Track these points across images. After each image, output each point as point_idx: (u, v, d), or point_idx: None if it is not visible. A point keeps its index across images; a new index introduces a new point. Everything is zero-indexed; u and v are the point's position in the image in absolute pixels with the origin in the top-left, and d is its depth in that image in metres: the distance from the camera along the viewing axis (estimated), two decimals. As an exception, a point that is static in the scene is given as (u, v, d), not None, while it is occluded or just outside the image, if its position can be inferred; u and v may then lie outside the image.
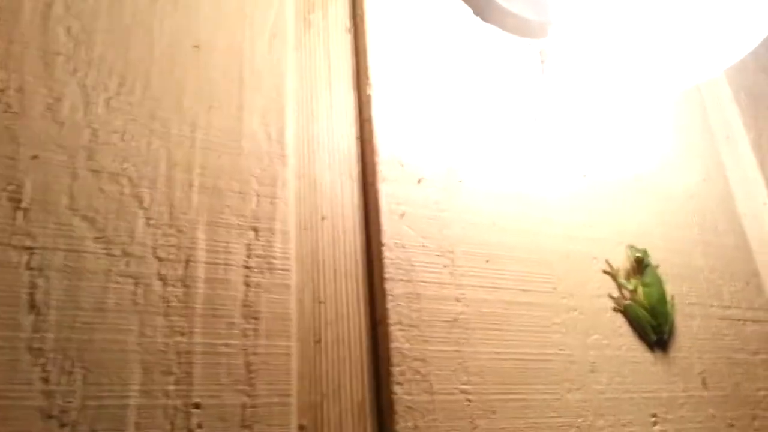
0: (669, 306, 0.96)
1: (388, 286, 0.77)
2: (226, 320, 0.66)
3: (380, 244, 0.80)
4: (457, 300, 0.82)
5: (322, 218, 0.79)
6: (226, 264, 0.68)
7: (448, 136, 0.92)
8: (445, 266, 0.83)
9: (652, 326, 0.92)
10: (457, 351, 0.78)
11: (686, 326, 0.98)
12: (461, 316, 0.81)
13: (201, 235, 0.69)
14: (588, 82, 1.09)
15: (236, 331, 0.66)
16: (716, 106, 1.26)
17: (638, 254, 0.95)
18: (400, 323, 0.75)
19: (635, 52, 0.91)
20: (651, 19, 0.87)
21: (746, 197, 1.19)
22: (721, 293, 1.04)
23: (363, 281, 0.78)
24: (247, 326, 0.66)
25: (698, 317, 1.00)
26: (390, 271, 0.78)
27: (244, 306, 0.67)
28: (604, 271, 0.95)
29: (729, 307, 1.04)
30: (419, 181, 0.86)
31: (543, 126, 1.01)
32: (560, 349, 0.86)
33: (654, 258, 0.99)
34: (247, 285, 0.68)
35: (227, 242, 0.70)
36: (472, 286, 0.84)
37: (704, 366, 0.96)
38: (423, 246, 0.83)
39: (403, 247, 0.81)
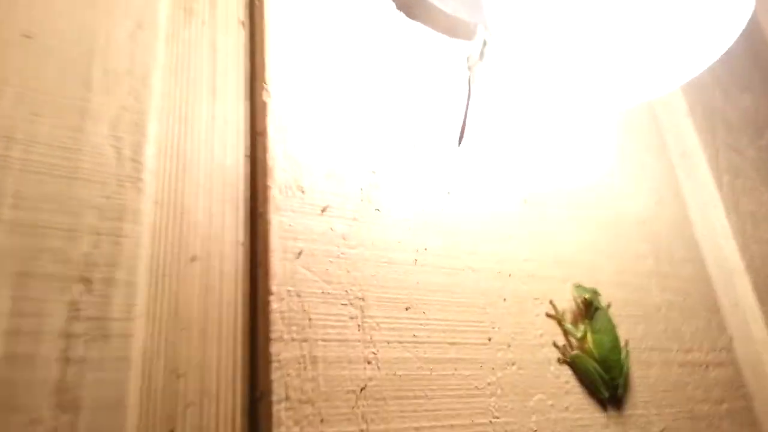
0: (623, 355, 0.82)
1: (274, 348, 0.60)
2: (26, 416, 0.47)
3: (267, 293, 0.62)
4: (368, 362, 0.65)
5: (192, 259, 0.61)
6: (35, 332, 0.49)
7: (361, 155, 0.75)
8: (352, 318, 0.66)
9: (604, 380, 0.78)
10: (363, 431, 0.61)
11: (643, 376, 0.84)
12: (371, 384, 0.64)
13: (3, 293, 0.50)
14: (526, 93, 0.95)
15: None
16: (671, 121, 1.14)
17: (586, 295, 0.81)
18: (287, 399, 0.58)
19: (581, 62, 0.77)
20: (600, 26, 0.73)
21: (703, 220, 1.07)
22: (681, 334, 0.91)
23: (243, 343, 0.61)
24: (59, 423, 0.48)
25: (656, 365, 0.86)
26: (278, 328, 0.61)
27: (58, 392, 0.48)
28: (548, 315, 0.80)
29: (690, 350, 0.91)
30: (323, 210, 0.69)
31: (473, 144, 0.86)
32: (495, 417, 0.70)
33: (605, 295, 0.85)
34: (66, 361, 0.50)
35: (41, 300, 0.51)
36: (387, 342, 0.67)
37: (664, 423, 0.82)
38: (325, 293, 0.66)
39: (298, 295, 0.64)
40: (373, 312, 0.68)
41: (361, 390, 0.63)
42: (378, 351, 0.66)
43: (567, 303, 0.82)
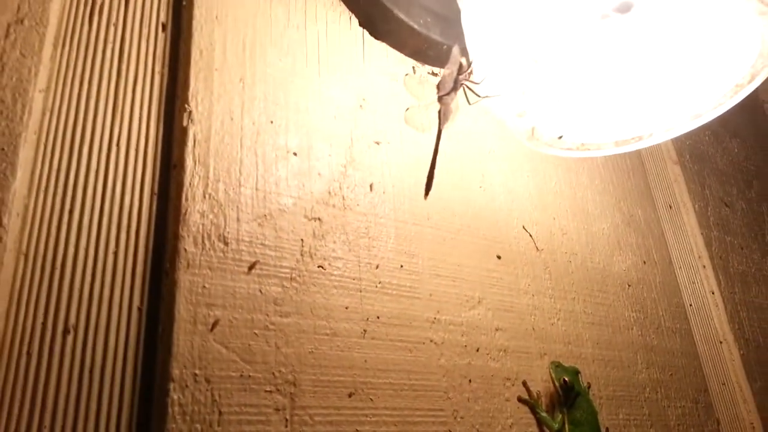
0: (606, 449, 0.69)
1: (166, 458, 0.45)
2: None
3: (167, 379, 0.48)
4: (293, 469, 0.51)
5: (65, 332, 0.46)
6: None
7: (303, 199, 0.61)
8: (278, 410, 0.52)
9: (584, 482, 0.65)
10: None
11: (625, 473, 0.71)
12: (295, 501, 0.50)
13: None
14: (506, 128, 0.83)
15: None
16: (657, 167, 1.03)
17: (567, 376, 0.68)
18: None
19: (580, 95, 0.65)
20: (600, 61, 0.61)
21: (691, 284, 0.96)
22: (667, 418, 0.79)
23: (124, 449, 0.46)
24: None
25: (640, 458, 0.74)
26: (176, 427, 0.46)
27: None
28: (520, 400, 0.67)
29: (676, 440, 0.79)
30: (251, 268, 0.55)
31: (439, 189, 0.73)
32: None
33: (585, 372, 0.73)
34: None
35: None
36: (321, 441, 0.53)
37: None
38: (244, 377, 0.51)
39: (208, 380, 0.49)
40: (307, 401, 0.53)
41: (283, 508, 0.49)
42: (308, 454, 0.52)
43: (543, 384, 0.70)
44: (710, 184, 1.08)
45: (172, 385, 0.47)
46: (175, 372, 0.48)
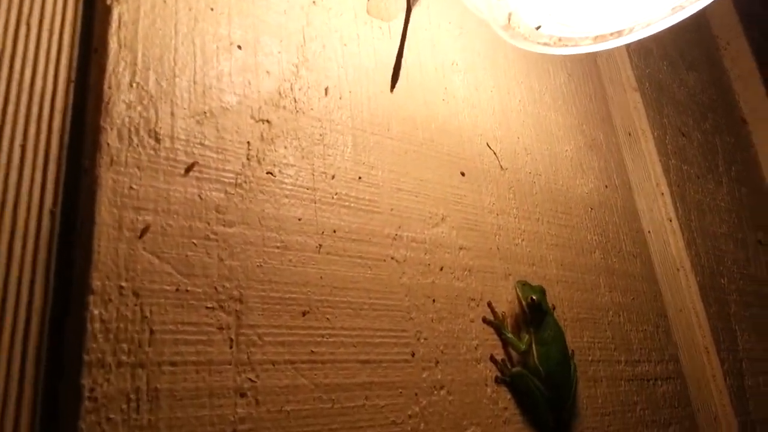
0: (572, 370, 0.66)
1: (88, 379, 0.38)
2: None
3: (85, 290, 0.40)
4: (241, 394, 0.44)
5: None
6: None
7: (252, 94, 0.54)
8: (222, 328, 0.45)
9: (551, 403, 0.62)
10: (227, 504, 0.41)
11: (590, 396, 0.69)
12: (244, 428, 0.44)
13: None
14: (465, 40, 0.77)
15: None
16: (618, 93, 0.99)
17: (534, 295, 0.64)
18: (103, 464, 0.37)
19: None
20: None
21: (649, 211, 0.94)
22: (629, 342, 0.77)
23: (32, 376, 0.39)
24: None
25: (604, 381, 0.71)
26: (97, 346, 0.39)
27: None
28: (485, 321, 0.63)
29: (638, 362, 0.77)
30: (189, 170, 0.48)
31: (403, 87, 0.66)
32: (417, 460, 0.52)
33: (550, 294, 0.69)
34: None
35: None
36: (273, 363, 0.47)
37: (610, 454, 0.68)
38: (180, 291, 0.44)
39: (136, 294, 0.42)
40: (254, 319, 0.47)
41: (230, 436, 0.43)
42: (258, 377, 0.46)
43: (507, 305, 0.66)
44: (668, 114, 1.05)
45: (91, 298, 0.40)
46: (96, 283, 0.41)
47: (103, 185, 0.43)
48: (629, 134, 0.98)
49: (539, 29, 0.54)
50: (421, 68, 0.70)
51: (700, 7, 0.53)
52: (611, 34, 0.54)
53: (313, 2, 0.63)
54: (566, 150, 0.83)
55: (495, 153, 0.73)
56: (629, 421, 0.71)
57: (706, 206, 1.03)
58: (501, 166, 0.73)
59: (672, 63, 1.15)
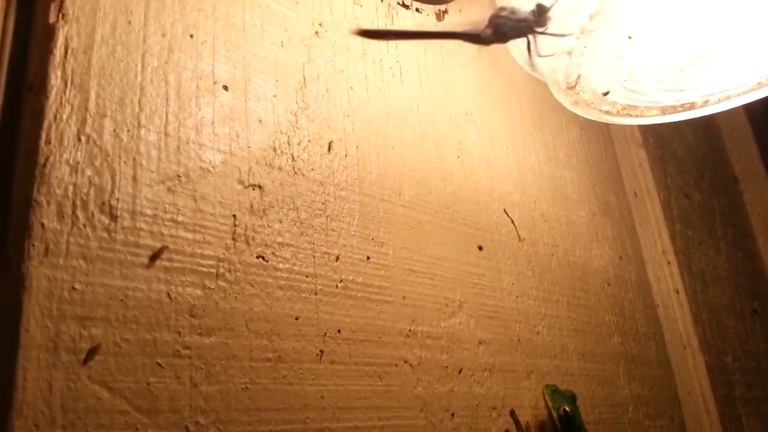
0: (602, 493, 0.56)
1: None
2: None
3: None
4: None
5: None
6: None
7: (232, 156, 0.41)
8: None
9: None
10: None
11: None
12: None
13: None
14: (481, 85, 0.66)
15: None
16: (625, 150, 0.91)
17: (566, 405, 0.53)
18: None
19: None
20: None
21: (657, 281, 0.85)
22: (649, 442, 0.68)
23: None
24: None
25: (628, 495, 0.61)
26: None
27: None
28: (509, 434, 0.52)
29: (659, 467, 0.67)
30: (155, 257, 0.35)
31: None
32: None
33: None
34: None
35: None
36: None
37: None
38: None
39: None
40: (238, 468, 0.34)
41: None
42: None
43: (530, 410, 0.55)
44: (671, 172, 0.98)
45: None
46: (15, 441, 0.27)
47: (33, 287, 0.30)
48: (635, 194, 0.90)
49: (606, 95, 0.45)
50: (435, 117, 0.59)
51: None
52: (682, 105, 0.45)
53: (316, 33, 0.51)
54: (582, 216, 0.74)
55: (513, 221, 0.63)
56: None
57: (709, 276, 0.96)
58: (519, 237, 0.63)
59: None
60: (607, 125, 0.90)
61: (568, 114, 0.80)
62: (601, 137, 0.86)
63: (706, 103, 0.45)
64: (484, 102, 0.66)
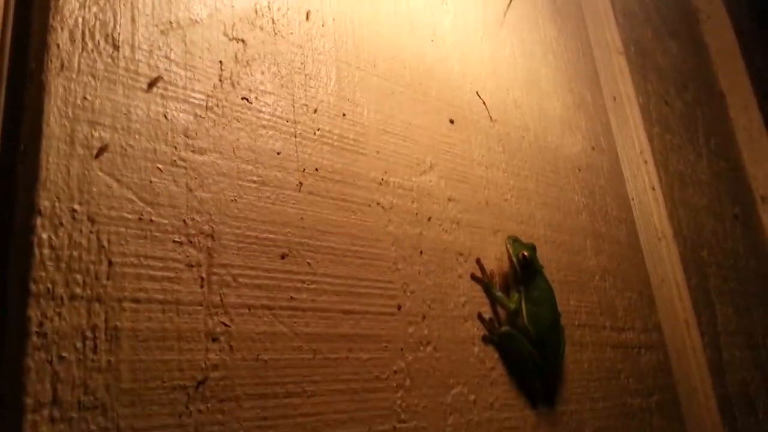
0: (561, 332, 0.62)
1: (34, 311, 0.32)
2: None
3: (31, 213, 0.34)
4: (213, 338, 0.39)
5: None
6: None
7: (217, 12, 0.48)
8: (191, 266, 0.39)
9: (538, 366, 0.58)
10: (194, 461, 0.35)
11: (576, 361, 0.66)
12: (216, 375, 0.38)
13: None
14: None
15: None
16: (605, 56, 0.96)
17: (525, 251, 0.60)
18: (54, 404, 0.31)
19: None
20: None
21: (633, 177, 0.91)
22: (615, 309, 0.74)
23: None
24: None
25: (589, 346, 0.68)
26: (44, 275, 0.33)
27: None
28: (474, 277, 0.58)
29: (623, 329, 0.74)
30: (152, 85, 0.41)
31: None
32: (402, 420, 0.47)
33: (538, 254, 0.65)
34: None
35: None
36: (248, 308, 0.41)
37: (599, 422, 0.65)
38: (144, 221, 0.38)
39: (92, 219, 0.36)
40: (228, 258, 0.41)
41: (199, 385, 0.37)
42: (232, 321, 0.40)
43: (496, 262, 0.61)
44: (652, 80, 1.03)
45: (39, 221, 0.34)
46: (44, 203, 0.34)
47: (52, 92, 0.36)
48: (614, 99, 0.95)
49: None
50: (409, 4, 0.65)
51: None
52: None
53: None
54: (555, 107, 0.79)
55: (485, 103, 0.68)
56: (614, 388, 0.68)
57: (688, 177, 1.01)
58: (491, 117, 0.69)
59: (656, 29, 1.12)
60: (585, 28, 0.94)
61: (546, 14, 0.85)
62: (579, 40, 0.91)
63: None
64: (459, -4, 0.72)
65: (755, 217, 1.20)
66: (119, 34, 0.41)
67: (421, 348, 0.51)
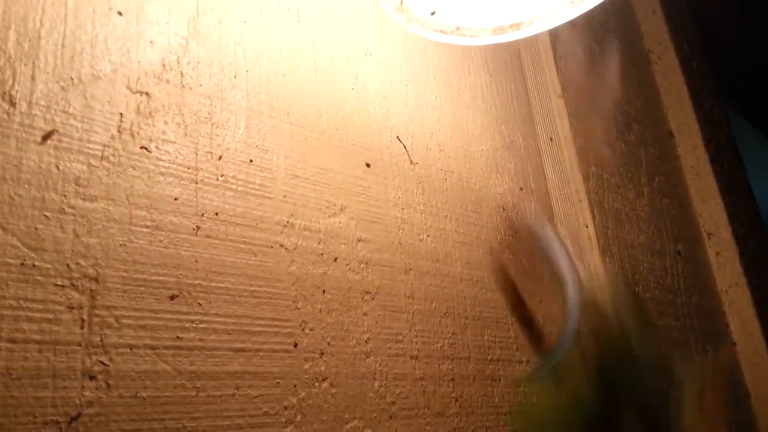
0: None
1: None
2: None
3: None
4: (90, 376, 0.41)
5: None
6: None
7: (128, 55, 0.51)
8: (72, 308, 0.42)
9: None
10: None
11: (486, 395, 0.68)
12: (91, 411, 0.41)
13: None
14: (381, 30, 0.75)
15: None
16: (542, 99, 1.00)
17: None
18: None
19: None
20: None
21: (566, 216, 0.94)
22: (533, 345, 0.77)
23: None
24: None
25: (502, 380, 0.70)
26: None
27: None
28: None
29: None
30: (47, 137, 0.44)
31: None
32: (289, 456, 0.50)
33: (451, 292, 0.68)
34: None
35: None
36: (130, 347, 0.44)
37: (505, 455, 0.67)
38: (26, 266, 0.41)
39: (-28, 266, 0.39)
40: (112, 300, 0.44)
41: (72, 420, 0.40)
42: (111, 360, 0.43)
43: (405, 299, 0.64)
44: (592, 123, 1.07)
45: None
46: (-77, 251, 0.37)
47: (-60, 146, 0.39)
48: (551, 140, 0.99)
49: (434, 15, 0.53)
50: (331, 54, 0.68)
51: (599, 2, 0.53)
52: (510, 26, 0.53)
53: (215, -22, 0.60)
54: (482, 149, 0.83)
55: (405, 147, 0.72)
56: (528, 422, 0.70)
57: (625, 216, 1.05)
58: (411, 161, 0.72)
59: (598, 72, 1.16)
60: (522, 73, 0.98)
61: (478, 61, 0.89)
62: (513, 84, 0.95)
63: (530, 23, 0.53)
64: (386, 45, 0.75)
65: (702, 253, 1.23)
66: (17, 91, 0.44)
67: (317, 384, 0.54)
